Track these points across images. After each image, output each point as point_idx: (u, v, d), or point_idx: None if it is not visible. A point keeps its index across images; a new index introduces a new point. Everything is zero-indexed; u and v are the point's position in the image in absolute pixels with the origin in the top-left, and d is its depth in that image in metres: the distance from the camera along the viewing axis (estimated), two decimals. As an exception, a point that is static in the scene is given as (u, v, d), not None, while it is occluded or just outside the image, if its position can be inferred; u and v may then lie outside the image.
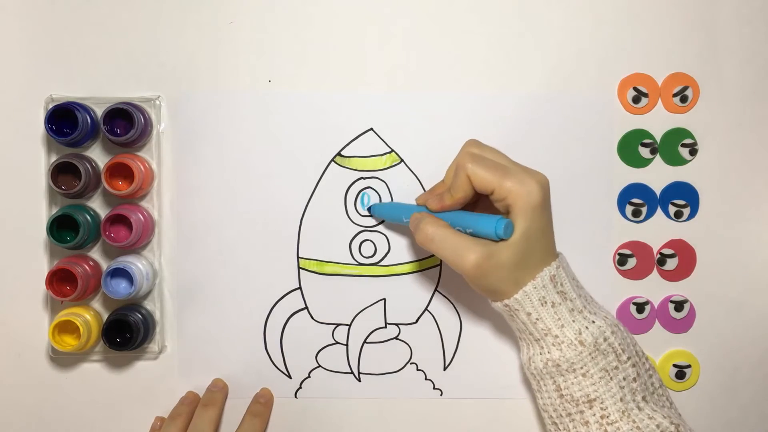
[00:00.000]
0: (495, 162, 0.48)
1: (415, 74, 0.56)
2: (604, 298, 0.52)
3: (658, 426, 0.45)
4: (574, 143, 0.56)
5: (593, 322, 0.47)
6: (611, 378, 0.46)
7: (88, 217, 0.53)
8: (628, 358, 0.47)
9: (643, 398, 0.47)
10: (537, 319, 0.47)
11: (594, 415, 0.46)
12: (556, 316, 0.47)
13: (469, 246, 0.46)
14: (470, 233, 0.47)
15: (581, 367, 0.46)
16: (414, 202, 0.53)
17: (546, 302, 0.47)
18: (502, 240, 0.46)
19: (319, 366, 0.56)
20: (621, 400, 0.46)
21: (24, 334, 0.55)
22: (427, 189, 0.56)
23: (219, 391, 0.55)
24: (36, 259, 0.55)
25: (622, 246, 0.56)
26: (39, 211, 0.55)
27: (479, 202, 0.51)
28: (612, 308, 0.56)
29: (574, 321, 0.47)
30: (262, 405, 0.55)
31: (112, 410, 0.56)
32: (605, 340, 0.47)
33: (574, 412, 0.47)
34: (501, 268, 0.46)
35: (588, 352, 0.46)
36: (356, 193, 0.56)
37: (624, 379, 0.46)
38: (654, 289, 0.57)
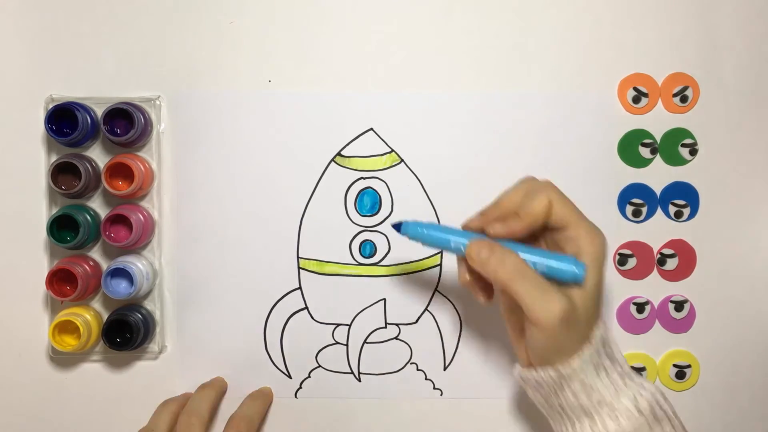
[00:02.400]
0: (572, 202, 0.44)
1: (415, 74, 0.56)
2: (604, 298, 0.52)
3: None
4: (574, 143, 0.56)
5: (643, 386, 0.42)
6: None
7: (88, 217, 0.53)
8: (680, 423, 0.43)
9: None
10: (591, 388, 0.41)
11: None
12: (610, 383, 0.42)
13: (556, 293, 0.40)
14: (541, 272, 0.42)
15: None
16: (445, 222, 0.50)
17: (599, 367, 0.42)
18: (576, 285, 0.41)
19: (319, 366, 0.56)
20: None
21: (24, 334, 0.55)
22: (427, 189, 0.56)
23: (219, 380, 0.55)
24: (36, 259, 0.55)
25: (622, 246, 0.56)
26: (39, 211, 0.55)
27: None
28: (612, 308, 0.56)
29: (626, 387, 0.42)
30: (262, 392, 0.55)
31: (112, 410, 0.56)
32: (659, 405, 0.42)
33: None
34: (578, 323, 0.40)
35: (647, 421, 0.41)
36: (356, 193, 0.56)
37: None
38: (654, 289, 0.57)
